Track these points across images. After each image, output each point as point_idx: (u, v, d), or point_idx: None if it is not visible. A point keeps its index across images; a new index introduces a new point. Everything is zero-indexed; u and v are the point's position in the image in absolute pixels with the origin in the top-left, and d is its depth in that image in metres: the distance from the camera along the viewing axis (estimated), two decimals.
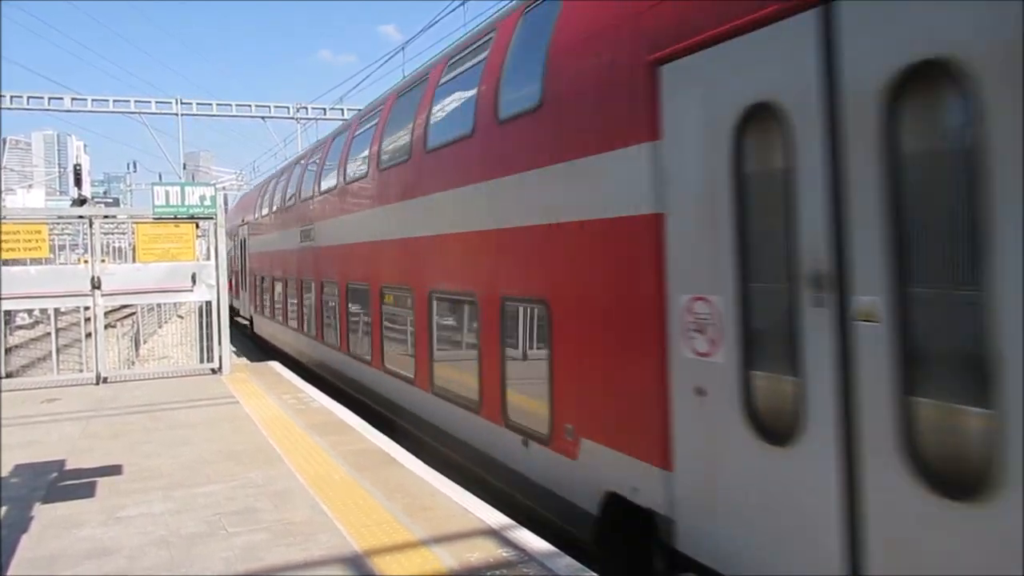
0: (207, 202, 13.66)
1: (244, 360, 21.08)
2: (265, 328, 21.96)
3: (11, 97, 31.23)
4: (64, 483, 7.27)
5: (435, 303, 8.96)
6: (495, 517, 5.96)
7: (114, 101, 33.81)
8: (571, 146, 5.91)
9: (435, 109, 9.02)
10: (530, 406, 6.58)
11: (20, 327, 28.50)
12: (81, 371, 14.43)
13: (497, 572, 4.93)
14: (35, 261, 15.60)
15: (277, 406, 10.89)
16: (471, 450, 7.80)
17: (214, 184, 17.87)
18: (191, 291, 13.70)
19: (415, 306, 9.42)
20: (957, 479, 3.20)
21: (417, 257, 9.48)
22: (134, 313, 28.64)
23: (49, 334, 17.03)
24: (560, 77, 6.15)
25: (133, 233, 14.13)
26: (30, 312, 27.46)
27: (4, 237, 12.41)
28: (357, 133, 12.73)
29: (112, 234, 38.86)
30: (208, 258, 14.09)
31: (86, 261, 13.86)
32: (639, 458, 5.10)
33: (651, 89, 4.97)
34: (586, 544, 5.74)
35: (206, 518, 6.17)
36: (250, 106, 35.81)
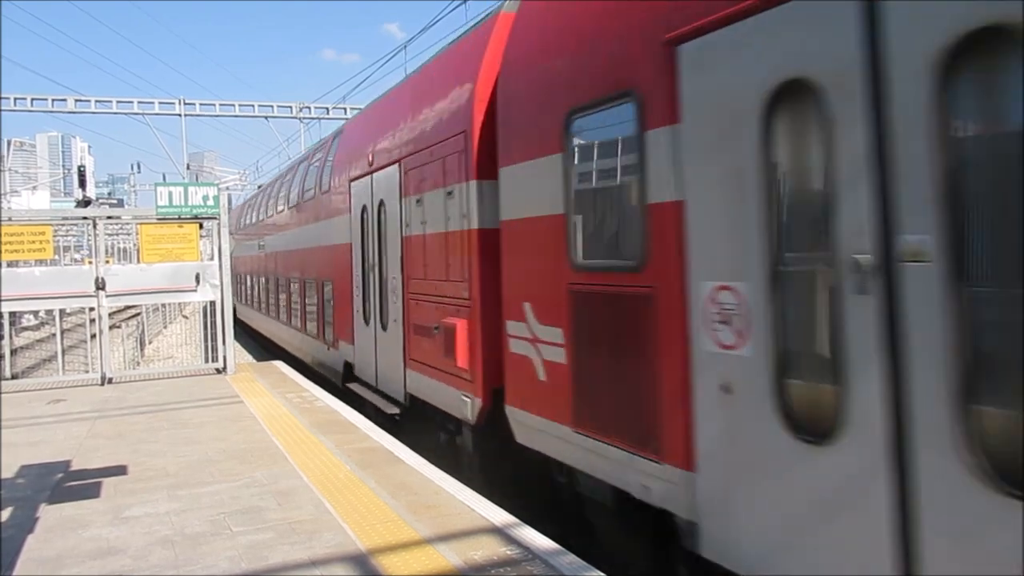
0: (210, 202, 13.69)
1: (249, 359, 21.14)
2: None
3: (15, 99, 31.32)
4: (70, 483, 7.29)
5: None
6: (499, 515, 5.96)
7: (117, 102, 33.87)
8: None
9: None
10: None
11: (26, 328, 28.62)
12: (87, 372, 14.49)
13: (501, 570, 4.92)
14: (41, 262, 15.63)
15: (282, 405, 10.91)
16: None
17: (217, 184, 17.86)
18: (195, 291, 13.73)
19: None
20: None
21: None
22: (139, 314, 28.72)
23: (55, 335, 17.11)
24: None
25: (137, 234, 14.15)
26: (36, 313, 27.59)
27: (8, 239, 12.46)
28: None
29: (117, 235, 38.98)
30: (212, 258, 14.12)
31: (90, 262, 13.89)
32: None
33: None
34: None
35: (211, 517, 6.18)
36: (253, 106, 35.86)
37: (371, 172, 10.95)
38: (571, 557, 5.10)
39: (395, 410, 9.74)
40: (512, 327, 6.80)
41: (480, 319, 7.43)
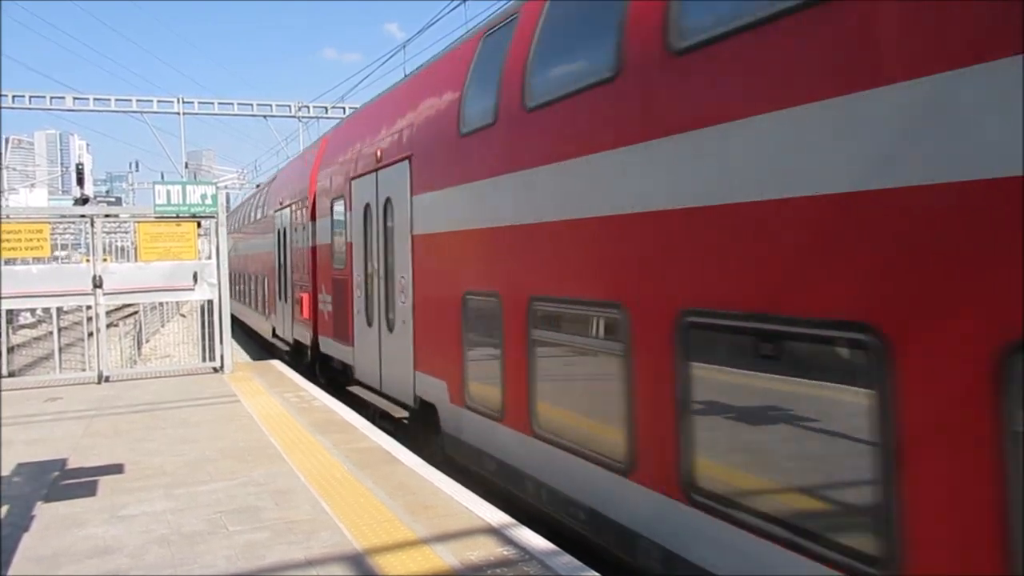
0: (208, 201, 13.67)
1: (246, 359, 21.12)
2: None
3: (13, 96, 31.29)
4: (66, 482, 7.28)
5: None
6: (496, 516, 5.96)
7: (116, 100, 33.84)
8: None
9: None
10: None
11: (23, 326, 28.58)
12: (83, 370, 14.46)
13: (497, 570, 4.93)
14: (39, 260, 15.62)
15: (279, 404, 10.90)
16: None
17: (215, 183, 17.85)
18: (192, 290, 13.72)
19: None
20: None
21: None
22: (136, 312, 28.68)
23: (52, 333, 17.09)
24: None
25: (135, 232, 14.14)
26: (33, 311, 27.56)
27: (6, 236, 12.44)
28: None
29: (115, 233, 38.91)
30: (209, 257, 14.11)
31: (87, 260, 13.88)
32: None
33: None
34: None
35: (208, 516, 6.17)
36: (252, 105, 35.84)
37: None
38: (567, 558, 5.11)
39: None
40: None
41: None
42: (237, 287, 25.95)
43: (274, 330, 19.24)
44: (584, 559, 5.19)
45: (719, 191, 4.43)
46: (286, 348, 17.38)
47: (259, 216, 22.50)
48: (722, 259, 4.43)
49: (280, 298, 18.08)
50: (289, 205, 16.91)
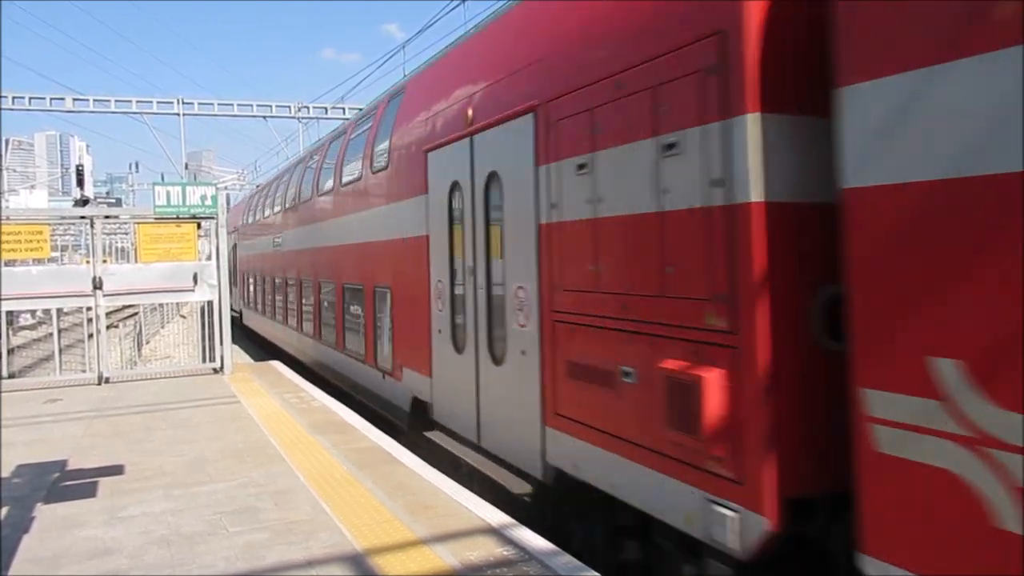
0: (208, 202, 13.68)
1: (247, 359, 21.14)
2: None
3: (13, 97, 31.34)
4: (66, 483, 7.28)
5: None
6: (496, 516, 5.96)
7: (116, 101, 33.89)
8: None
9: None
10: None
11: (23, 328, 28.61)
12: (84, 371, 14.46)
13: (497, 570, 4.92)
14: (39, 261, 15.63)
15: (279, 405, 10.90)
16: None
17: (215, 184, 17.85)
18: (192, 291, 13.72)
19: None
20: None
21: None
22: (136, 313, 28.69)
23: (52, 334, 17.11)
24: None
25: (135, 233, 14.14)
26: (33, 313, 27.60)
27: (6, 238, 12.44)
28: None
29: (115, 234, 38.92)
30: (209, 258, 14.12)
31: (87, 261, 13.89)
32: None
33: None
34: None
35: (207, 517, 6.17)
36: (252, 105, 35.90)
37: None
38: (567, 558, 5.11)
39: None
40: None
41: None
42: (290, 303, 17.62)
43: (429, 409, 8.69)
44: (583, 559, 5.19)
45: None
46: (525, 492, 6.66)
47: (354, 176, 12.26)
48: None
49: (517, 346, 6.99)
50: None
